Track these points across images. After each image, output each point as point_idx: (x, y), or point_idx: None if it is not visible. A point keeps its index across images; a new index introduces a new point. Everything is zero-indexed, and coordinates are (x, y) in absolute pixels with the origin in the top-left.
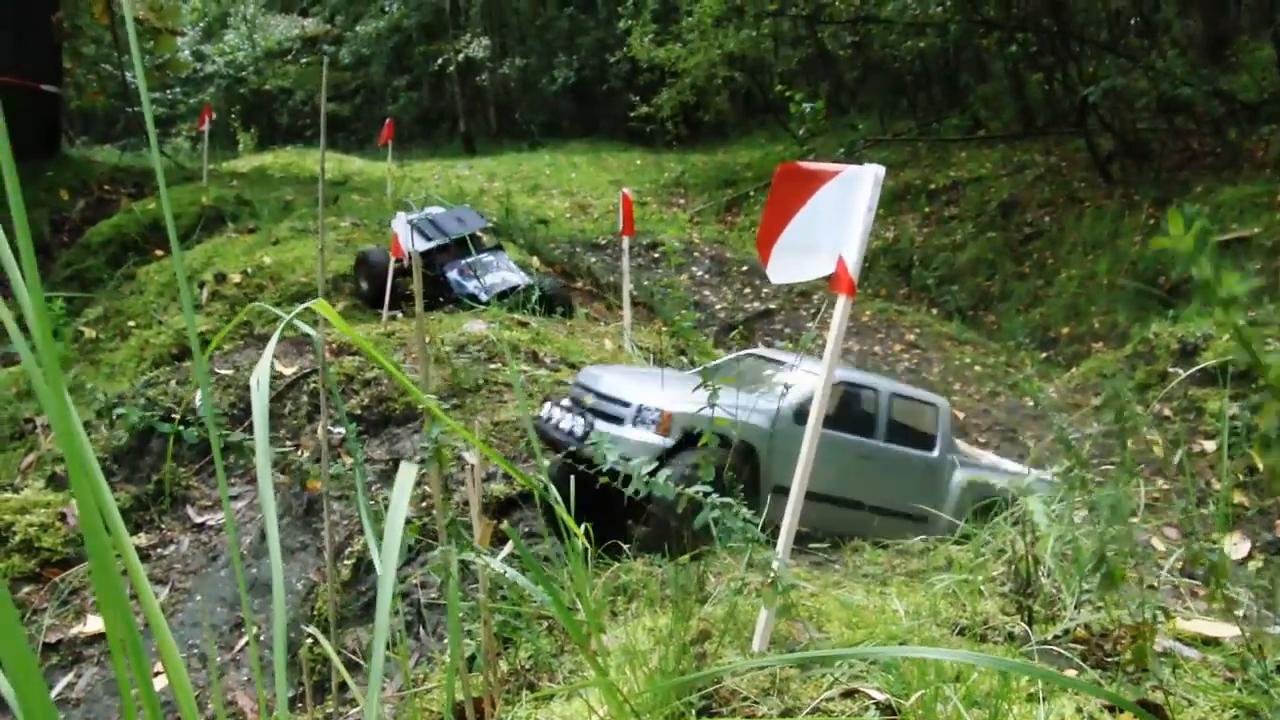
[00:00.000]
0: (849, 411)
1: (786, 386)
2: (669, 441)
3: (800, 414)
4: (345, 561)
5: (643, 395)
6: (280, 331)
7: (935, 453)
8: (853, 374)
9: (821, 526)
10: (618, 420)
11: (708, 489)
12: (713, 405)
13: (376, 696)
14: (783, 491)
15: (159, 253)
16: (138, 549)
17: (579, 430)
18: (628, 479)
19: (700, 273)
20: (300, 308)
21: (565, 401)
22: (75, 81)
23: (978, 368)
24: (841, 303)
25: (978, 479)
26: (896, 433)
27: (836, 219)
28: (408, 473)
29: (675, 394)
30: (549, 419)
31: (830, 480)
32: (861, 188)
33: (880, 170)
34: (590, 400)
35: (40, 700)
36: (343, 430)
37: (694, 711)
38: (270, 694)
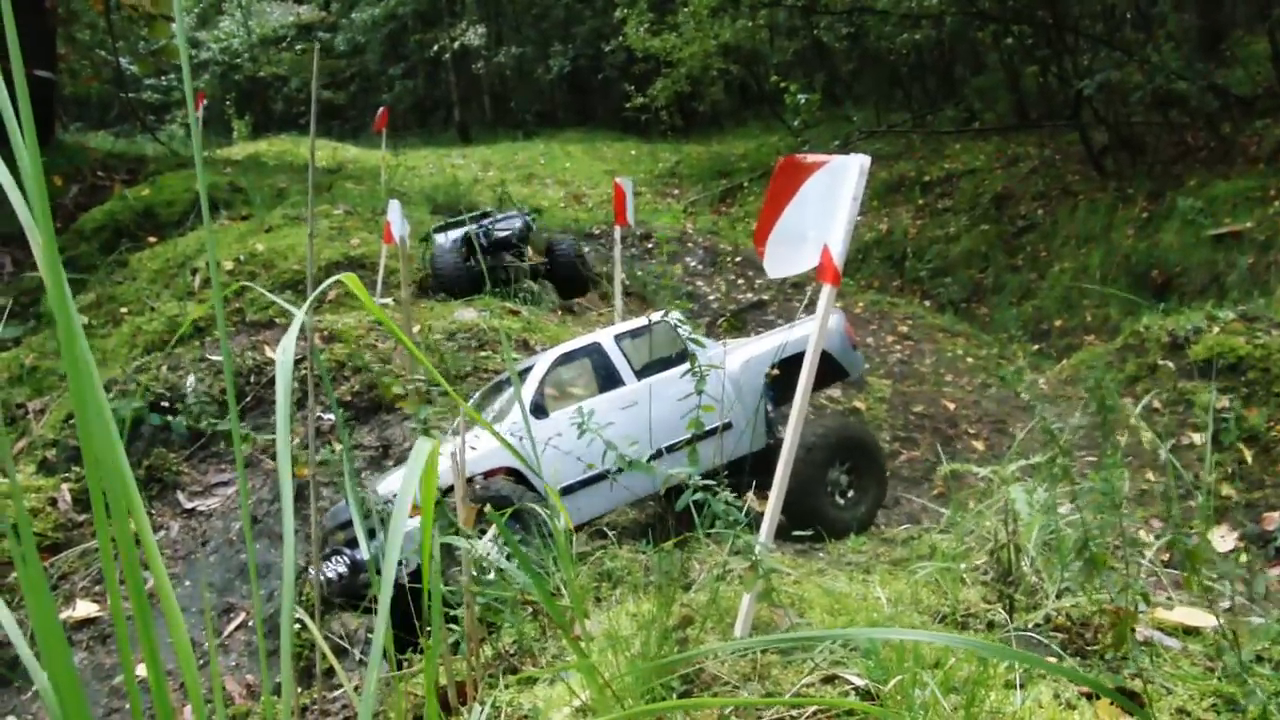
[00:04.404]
0: (593, 377)
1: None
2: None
3: (538, 407)
4: None
5: (385, 487)
6: (306, 309)
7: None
8: (565, 346)
9: (641, 494)
10: (373, 534)
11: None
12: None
13: (376, 674)
14: (569, 491)
15: (151, 239)
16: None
17: (344, 568)
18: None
19: (694, 263)
20: (330, 281)
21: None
22: (69, 67)
23: (970, 359)
24: (826, 292)
25: (753, 353)
26: (647, 366)
27: (823, 209)
28: (423, 448)
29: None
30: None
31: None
32: (847, 177)
33: (866, 160)
34: (342, 536)
35: (68, 677)
36: (332, 416)
37: (674, 695)
38: (257, 679)
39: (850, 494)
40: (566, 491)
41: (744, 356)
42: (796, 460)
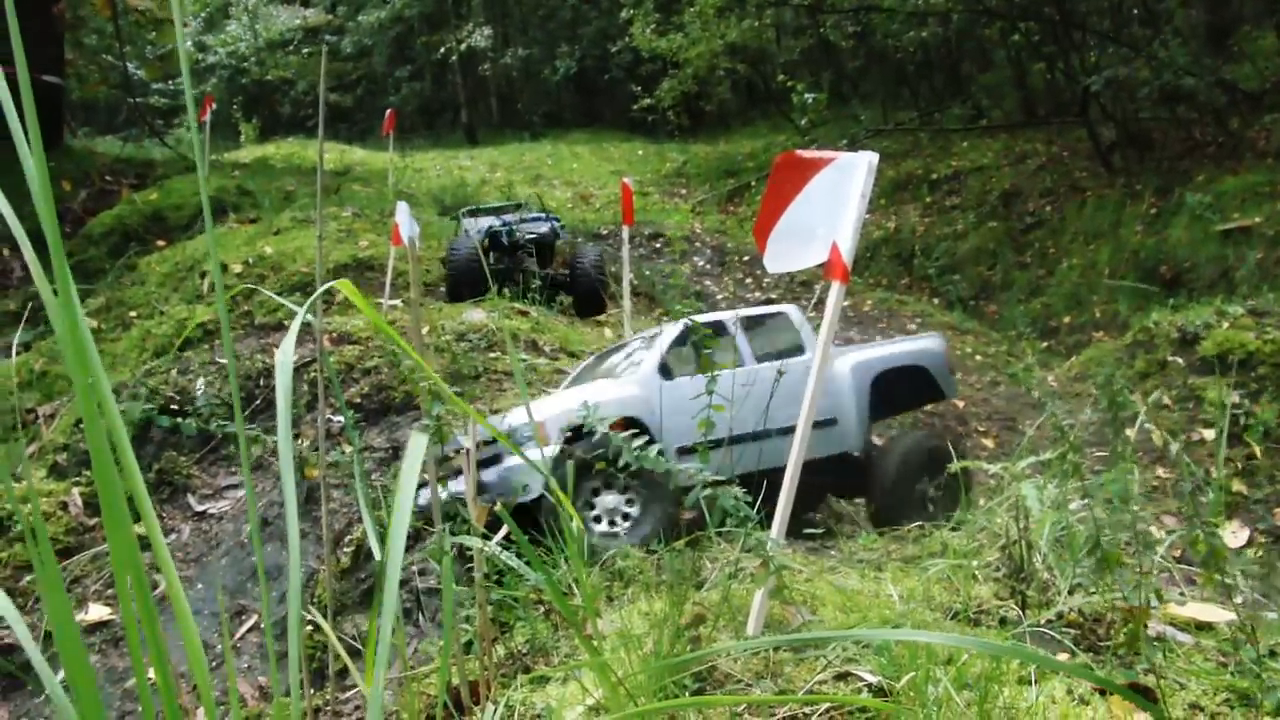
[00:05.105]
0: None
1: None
2: (553, 448)
3: (665, 367)
4: (344, 549)
5: (509, 420)
6: (303, 314)
7: (808, 353)
8: (695, 318)
9: (744, 469)
10: (497, 459)
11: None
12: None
13: (383, 670)
14: (687, 451)
15: (160, 243)
16: (139, 538)
17: (462, 487)
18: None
19: (702, 262)
20: (325, 287)
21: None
22: (77, 72)
23: (979, 357)
24: (835, 289)
25: (862, 358)
26: (765, 352)
27: (831, 206)
28: (419, 442)
29: (540, 404)
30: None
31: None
32: (856, 174)
33: (874, 157)
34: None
35: (86, 678)
36: (342, 419)
37: (687, 693)
38: (270, 681)
39: (936, 506)
40: (684, 452)
41: (853, 360)
42: (892, 469)
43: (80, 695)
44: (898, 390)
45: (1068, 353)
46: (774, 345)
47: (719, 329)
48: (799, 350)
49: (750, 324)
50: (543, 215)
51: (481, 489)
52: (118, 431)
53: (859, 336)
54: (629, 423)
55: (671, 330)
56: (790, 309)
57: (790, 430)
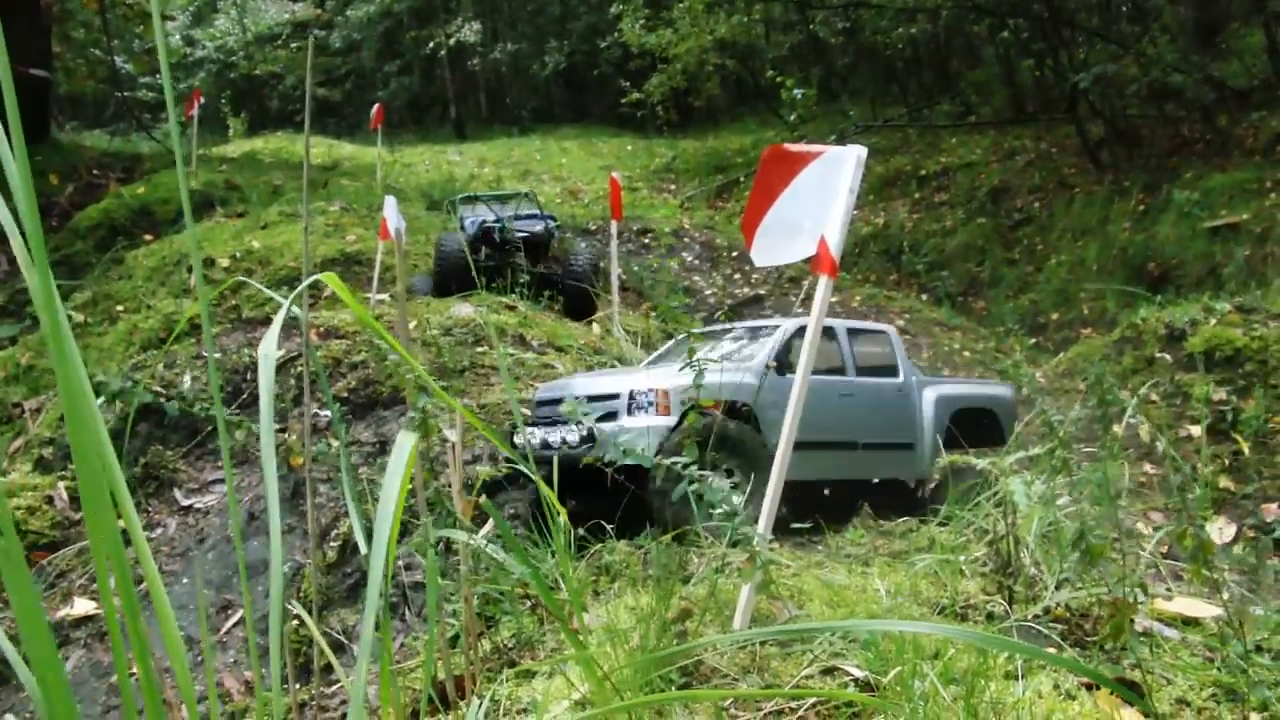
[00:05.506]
0: (822, 355)
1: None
2: (672, 419)
3: (781, 364)
4: (331, 544)
5: (629, 383)
6: (288, 306)
7: (901, 377)
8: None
9: (824, 475)
10: (610, 416)
11: (687, 461)
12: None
13: (365, 665)
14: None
15: (147, 237)
16: (125, 532)
17: (574, 437)
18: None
19: (690, 258)
20: (309, 279)
21: (533, 427)
22: (64, 66)
23: (967, 353)
24: (823, 283)
25: (946, 392)
26: (864, 366)
27: (819, 200)
28: (406, 440)
29: (663, 373)
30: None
31: (824, 425)
32: (844, 168)
33: (862, 151)
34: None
35: (57, 676)
36: (329, 413)
37: (674, 688)
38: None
39: None
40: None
41: (938, 392)
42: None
43: (50, 696)
44: (966, 429)
45: (1056, 349)
46: (871, 361)
47: (828, 334)
48: (893, 371)
49: (854, 335)
50: (538, 213)
51: (591, 438)
52: (98, 427)
53: None
54: (736, 409)
55: (788, 326)
56: (890, 330)
57: (877, 447)
